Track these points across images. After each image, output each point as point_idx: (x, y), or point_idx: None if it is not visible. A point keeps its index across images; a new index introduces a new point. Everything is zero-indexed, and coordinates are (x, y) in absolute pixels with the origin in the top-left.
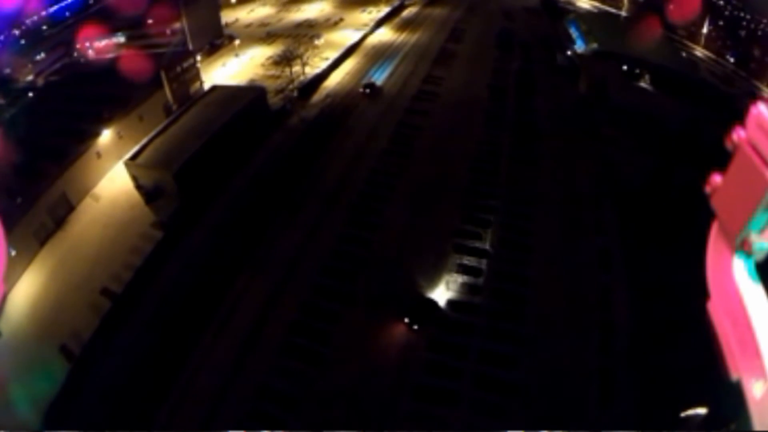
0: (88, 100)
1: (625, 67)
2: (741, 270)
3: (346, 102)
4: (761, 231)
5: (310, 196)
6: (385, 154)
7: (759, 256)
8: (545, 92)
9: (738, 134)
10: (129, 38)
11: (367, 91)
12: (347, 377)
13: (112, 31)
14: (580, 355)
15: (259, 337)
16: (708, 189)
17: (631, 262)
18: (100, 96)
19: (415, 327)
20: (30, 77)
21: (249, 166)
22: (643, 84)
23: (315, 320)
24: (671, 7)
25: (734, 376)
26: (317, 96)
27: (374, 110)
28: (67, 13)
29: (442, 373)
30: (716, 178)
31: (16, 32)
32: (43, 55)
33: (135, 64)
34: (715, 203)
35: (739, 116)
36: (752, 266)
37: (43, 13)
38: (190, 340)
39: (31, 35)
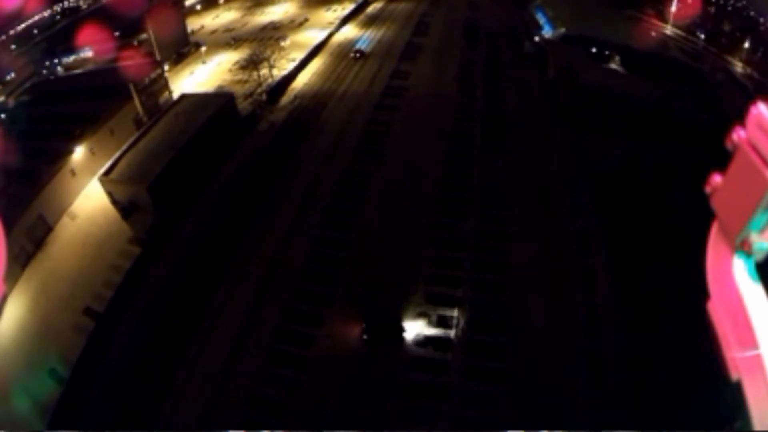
0: (59, 118)
1: (594, 50)
2: (741, 270)
3: (315, 102)
4: (761, 231)
5: (285, 201)
6: (356, 153)
7: (759, 256)
8: (514, 80)
9: (738, 134)
10: (96, 53)
11: (357, 55)
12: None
13: (80, 46)
14: (565, 339)
15: (244, 345)
16: (708, 189)
17: (610, 245)
18: (70, 113)
19: (365, 337)
20: (0, 98)
21: (221, 175)
22: (613, 65)
23: (298, 324)
24: None
25: (734, 376)
26: (286, 98)
27: (343, 109)
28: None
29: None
30: (716, 178)
31: None
32: (12, 75)
33: (103, 77)
34: (715, 203)
35: (711, 91)
36: (752, 266)
37: (11, 32)
38: (176, 352)
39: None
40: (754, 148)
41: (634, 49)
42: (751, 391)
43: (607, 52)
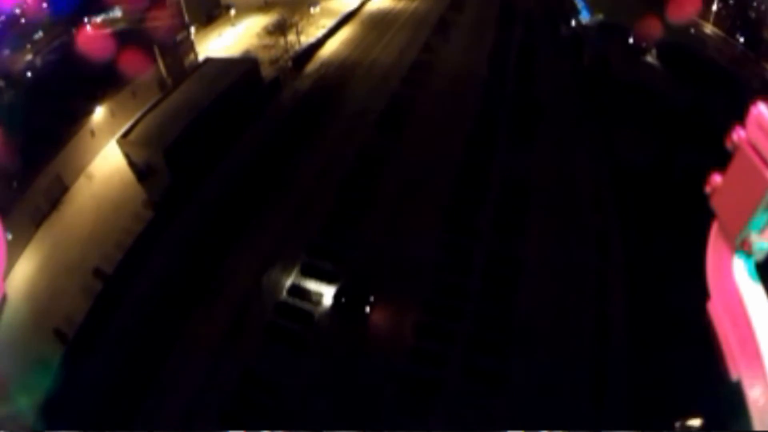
0: (82, 79)
1: (631, 41)
2: (741, 270)
3: (341, 71)
4: (761, 231)
5: (301, 171)
6: (378, 127)
7: (759, 256)
8: (547, 65)
9: (738, 134)
10: (125, 12)
11: None
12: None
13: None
14: (574, 344)
15: (246, 319)
16: (708, 189)
17: (630, 247)
18: (94, 74)
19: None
20: (29, 57)
21: (240, 141)
22: (649, 59)
23: (301, 301)
24: None
25: (734, 376)
26: (312, 65)
27: (369, 80)
28: None
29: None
30: (716, 178)
31: (17, 11)
32: (41, 34)
33: (130, 38)
34: (715, 203)
35: (746, 97)
36: (752, 266)
37: None
38: (178, 321)
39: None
40: (754, 148)
41: (671, 44)
42: (751, 390)
43: (644, 44)
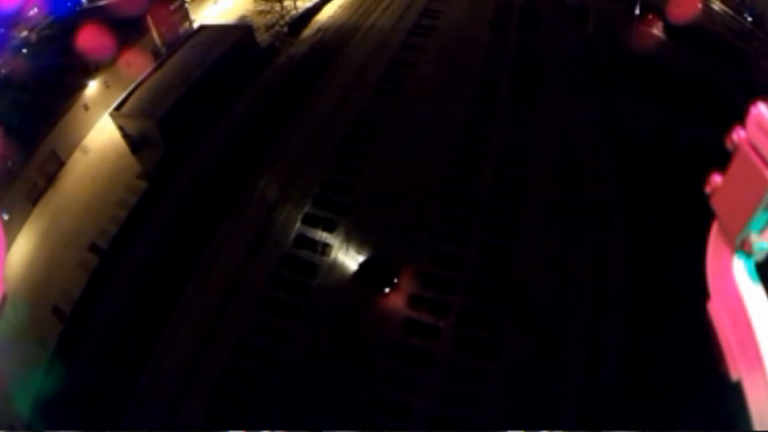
0: (75, 52)
1: (637, 11)
2: (741, 270)
3: (338, 36)
4: (761, 231)
5: (294, 138)
6: (375, 92)
7: (759, 256)
8: (550, 31)
9: (738, 134)
10: None
11: None
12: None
13: None
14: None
15: (238, 289)
16: (708, 189)
17: (630, 222)
18: (87, 47)
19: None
20: (24, 34)
21: (234, 109)
22: (655, 31)
23: (294, 272)
24: None
25: (734, 376)
26: (308, 30)
27: (367, 45)
28: None
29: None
30: (716, 178)
31: None
32: (36, 10)
33: (124, 9)
34: (715, 203)
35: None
36: (752, 266)
37: None
38: (173, 293)
39: None
40: (754, 148)
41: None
42: (751, 391)
43: (651, 16)
